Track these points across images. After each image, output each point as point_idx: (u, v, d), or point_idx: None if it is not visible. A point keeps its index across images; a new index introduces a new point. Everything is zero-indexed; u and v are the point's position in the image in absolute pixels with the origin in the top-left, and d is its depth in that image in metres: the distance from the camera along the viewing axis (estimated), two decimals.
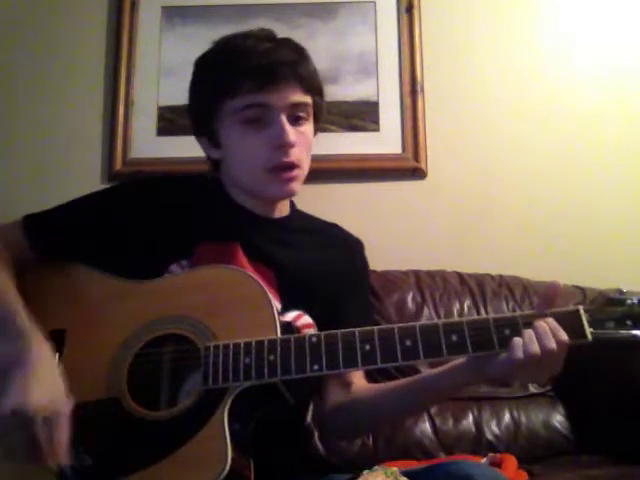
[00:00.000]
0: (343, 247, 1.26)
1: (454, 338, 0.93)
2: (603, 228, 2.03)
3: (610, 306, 0.93)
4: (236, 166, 1.16)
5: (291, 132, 1.10)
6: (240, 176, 1.16)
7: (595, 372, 1.64)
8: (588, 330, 0.91)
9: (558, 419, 1.68)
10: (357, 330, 0.95)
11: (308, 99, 1.14)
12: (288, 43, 1.15)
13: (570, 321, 0.92)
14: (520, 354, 0.89)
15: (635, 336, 0.91)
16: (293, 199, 1.28)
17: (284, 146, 1.10)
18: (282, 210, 1.23)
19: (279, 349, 0.95)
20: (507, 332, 0.92)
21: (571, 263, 1.97)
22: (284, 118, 1.10)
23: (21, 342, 0.95)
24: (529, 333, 0.91)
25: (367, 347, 0.94)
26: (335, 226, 1.30)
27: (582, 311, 0.92)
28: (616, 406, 1.57)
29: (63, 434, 0.89)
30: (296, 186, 1.14)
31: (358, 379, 1.19)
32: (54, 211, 1.18)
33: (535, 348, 0.89)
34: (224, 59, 1.13)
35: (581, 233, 2.03)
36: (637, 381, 1.53)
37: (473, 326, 0.93)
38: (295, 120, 1.12)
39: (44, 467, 0.88)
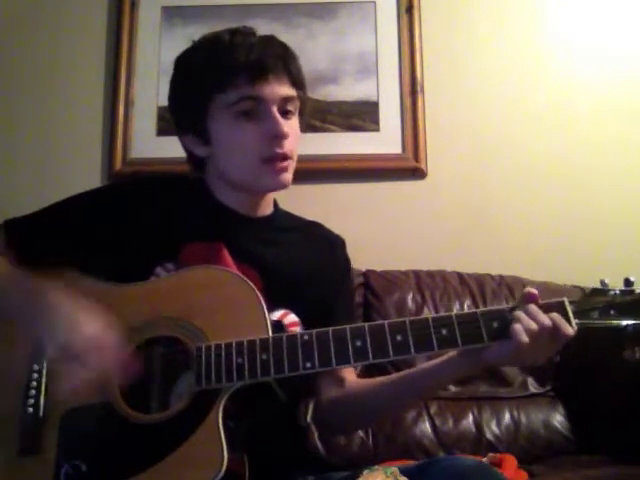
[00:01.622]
0: (326, 245, 1.27)
1: (444, 332, 0.94)
2: (603, 228, 2.03)
3: (594, 297, 0.96)
4: (228, 160, 1.16)
5: (284, 124, 1.11)
6: (232, 170, 1.16)
7: (595, 372, 1.64)
8: (573, 321, 0.93)
9: (558, 419, 1.68)
10: (348, 327, 0.96)
11: (296, 93, 1.15)
12: (273, 39, 1.17)
13: (556, 312, 0.94)
14: (525, 337, 0.91)
15: (618, 325, 0.94)
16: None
17: (278, 137, 1.11)
18: (266, 209, 1.23)
19: (271, 348, 0.95)
20: (495, 324, 0.94)
21: (571, 263, 1.97)
22: (276, 110, 1.11)
23: (41, 294, 0.97)
24: (521, 314, 0.93)
25: (358, 343, 0.94)
26: (317, 224, 1.30)
27: (567, 302, 0.95)
28: (616, 406, 1.57)
29: (112, 360, 0.92)
30: (289, 177, 1.15)
31: (350, 375, 1.20)
32: (36, 216, 1.17)
33: (532, 325, 0.92)
34: (212, 54, 1.14)
35: (581, 233, 2.04)
36: (637, 381, 1.52)
37: (462, 320, 0.95)
38: (284, 113, 1.13)
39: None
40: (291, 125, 1.14)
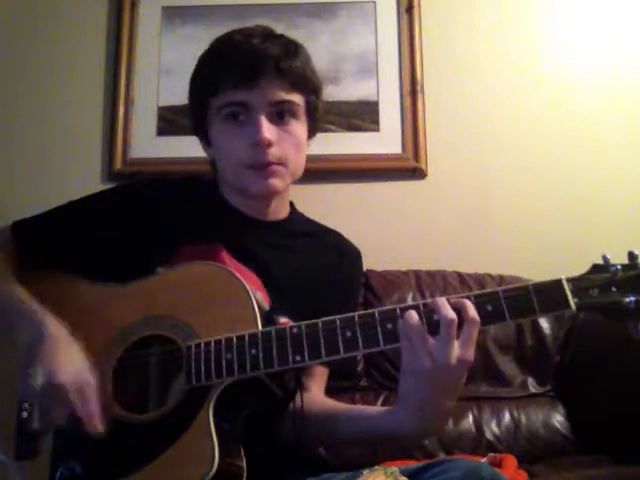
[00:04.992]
0: (338, 255, 1.23)
1: (435, 318, 0.91)
2: (603, 228, 2.03)
3: (594, 273, 0.91)
4: (222, 164, 1.15)
5: (269, 131, 1.07)
6: (226, 173, 1.15)
7: (595, 372, 1.64)
8: (572, 300, 0.89)
9: (558, 419, 1.68)
10: (338, 317, 0.94)
11: (295, 97, 1.10)
12: (279, 39, 1.12)
13: (553, 292, 0.90)
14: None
15: (619, 302, 0.88)
16: (294, 200, 1.26)
17: (259, 145, 1.07)
18: (278, 212, 1.21)
19: (260, 342, 0.94)
20: (488, 308, 0.93)
21: (571, 263, 1.95)
22: (262, 117, 1.07)
23: (38, 322, 0.99)
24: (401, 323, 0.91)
25: (348, 333, 0.92)
26: (334, 233, 1.27)
27: (565, 281, 0.91)
28: (616, 406, 1.56)
29: (94, 403, 0.92)
30: (278, 182, 1.11)
31: (317, 388, 1.17)
32: (44, 217, 1.17)
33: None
34: (212, 56, 1.12)
35: (581, 233, 2.03)
36: (637, 381, 1.52)
37: (425, 310, 0.92)
38: (280, 118, 1.10)
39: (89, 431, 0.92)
40: (286, 131, 1.10)
